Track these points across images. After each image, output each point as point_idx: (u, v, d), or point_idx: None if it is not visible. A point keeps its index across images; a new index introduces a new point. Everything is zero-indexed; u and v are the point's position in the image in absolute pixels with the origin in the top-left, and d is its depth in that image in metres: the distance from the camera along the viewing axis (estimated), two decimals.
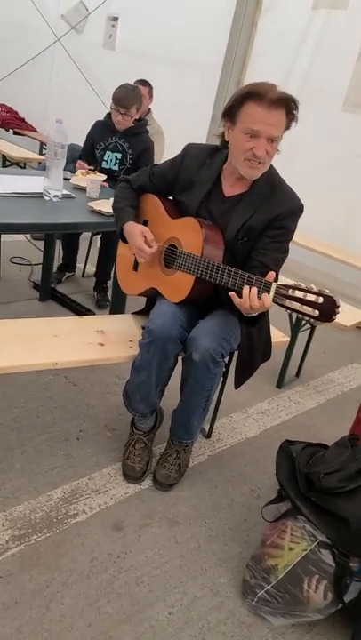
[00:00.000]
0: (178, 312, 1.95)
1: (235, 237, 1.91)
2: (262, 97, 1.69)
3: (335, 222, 4.10)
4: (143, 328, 1.96)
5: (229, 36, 4.53)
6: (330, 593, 1.61)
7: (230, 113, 1.78)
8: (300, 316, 1.57)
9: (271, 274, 1.63)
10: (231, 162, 1.89)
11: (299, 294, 1.54)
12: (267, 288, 1.61)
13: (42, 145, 6.06)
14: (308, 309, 1.52)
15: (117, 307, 2.93)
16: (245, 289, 1.65)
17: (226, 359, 2.21)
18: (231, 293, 1.69)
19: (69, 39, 6.11)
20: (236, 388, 2.11)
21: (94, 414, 2.44)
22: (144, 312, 2.29)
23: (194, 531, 1.95)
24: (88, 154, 3.43)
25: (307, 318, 1.54)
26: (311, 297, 1.52)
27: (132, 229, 2.02)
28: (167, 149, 4.13)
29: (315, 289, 1.53)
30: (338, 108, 3.94)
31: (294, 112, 1.75)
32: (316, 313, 1.51)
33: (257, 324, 1.85)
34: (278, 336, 2.47)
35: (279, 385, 3.03)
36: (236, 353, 2.09)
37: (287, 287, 1.57)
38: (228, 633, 1.63)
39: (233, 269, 1.73)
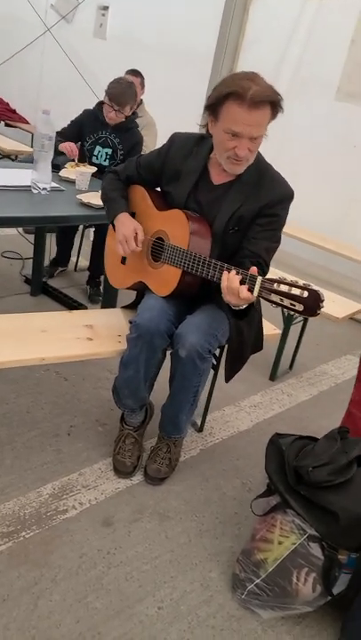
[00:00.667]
0: (165, 306, 1.93)
1: (225, 227, 1.89)
2: (243, 97, 1.64)
3: (330, 214, 4.07)
4: (130, 322, 1.94)
5: (221, 24, 4.47)
6: (319, 585, 1.61)
7: (212, 108, 1.75)
8: (285, 310, 1.56)
9: (253, 268, 1.62)
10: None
11: (283, 288, 1.52)
12: (252, 282, 1.60)
13: (33, 137, 6.00)
14: (292, 304, 1.51)
15: (108, 301, 2.91)
16: (225, 282, 1.64)
17: (217, 353, 2.20)
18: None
19: (59, 29, 6.03)
20: (227, 381, 2.10)
21: (85, 409, 2.43)
22: (133, 306, 2.27)
23: (184, 525, 1.95)
24: (69, 138, 3.32)
25: (292, 313, 1.53)
26: (296, 291, 1.50)
27: (126, 220, 1.99)
28: (160, 139, 4.10)
29: (300, 283, 1.52)
30: (331, 97, 3.90)
31: (278, 104, 1.71)
32: (301, 307, 1.50)
33: (246, 317, 1.83)
34: (270, 329, 2.45)
35: (272, 377, 3.02)
36: (226, 347, 2.08)
37: (272, 281, 1.55)
38: (218, 626, 1.62)
39: (218, 263, 1.72)
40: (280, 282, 1.54)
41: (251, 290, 1.59)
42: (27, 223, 2.78)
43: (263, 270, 1.87)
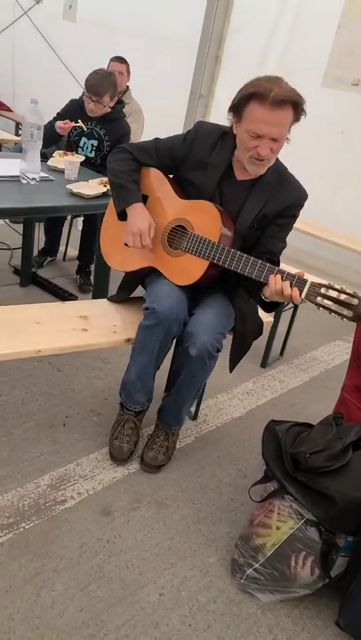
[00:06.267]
0: (181, 294, 1.94)
1: (250, 225, 1.93)
2: (265, 97, 1.69)
3: (317, 199, 4.05)
4: (146, 309, 1.92)
5: (206, 10, 4.42)
6: (317, 568, 1.64)
7: (236, 109, 1.79)
8: (332, 314, 1.65)
9: (301, 272, 1.71)
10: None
11: (332, 294, 1.63)
12: (300, 285, 1.68)
13: (17, 125, 5.92)
14: (341, 309, 1.62)
15: (100, 291, 2.90)
16: (278, 284, 1.71)
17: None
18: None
19: (28, 11, 5.86)
20: (231, 371, 2.11)
21: (80, 400, 2.44)
22: (121, 298, 2.25)
23: (182, 512, 1.97)
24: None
25: (339, 317, 1.64)
26: (345, 297, 1.61)
27: (142, 212, 1.95)
28: (145, 127, 4.06)
29: (348, 290, 1.62)
30: (318, 84, 3.89)
31: (300, 107, 1.75)
32: (351, 314, 1.61)
33: (273, 308, 1.95)
34: (263, 316, 2.47)
35: (264, 364, 3.05)
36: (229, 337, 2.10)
37: (321, 286, 1.65)
38: (218, 611, 1.65)
39: (259, 262, 1.77)
40: (328, 287, 1.64)
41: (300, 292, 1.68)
42: (17, 214, 2.76)
43: None
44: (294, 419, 1.92)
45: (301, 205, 1.97)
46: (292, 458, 1.71)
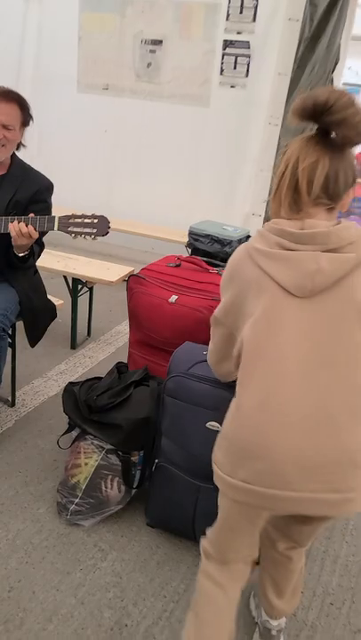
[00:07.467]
0: None
1: (6, 212, 2.21)
2: None
3: (97, 192, 4.45)
4: None
5: None
6: (123, 486, 2.02)
7: None
8: (83, 236, 2.06)
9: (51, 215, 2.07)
10: None
11: (78, 220, 2.04)
12: (50, 222, 2.05)
13: None
14: (88, 230, 2.05)
15: None
16: (15, 227, 2.03)
17: (9, 331, 2.47)
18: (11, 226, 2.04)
19: None
20: (33, 346, 2.41)
21: None
22: None
23: (10, 482, 2.22)
24: None
25: (88, 238, 2.05)
26: (88, 220, 2.03)
27: None
28: None
29: (88, 214, 2.04)
30: (74, 90, 4.27)
31: (27, 109, 2.14)
32: (95, 230, 2.04)
33: (27, 262, 2.25)
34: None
35: (73, 346, 3.37)
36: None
37: (67, 217, 2.05)
38: (50, 545, 1.95)
39: (16, 217, 2.08)
40: (73, 216, 2.04)
41: (52, 228, 2.06)
42: None
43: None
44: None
45: (49, 191, 2.33)
46: (85, 404, 2.06)
